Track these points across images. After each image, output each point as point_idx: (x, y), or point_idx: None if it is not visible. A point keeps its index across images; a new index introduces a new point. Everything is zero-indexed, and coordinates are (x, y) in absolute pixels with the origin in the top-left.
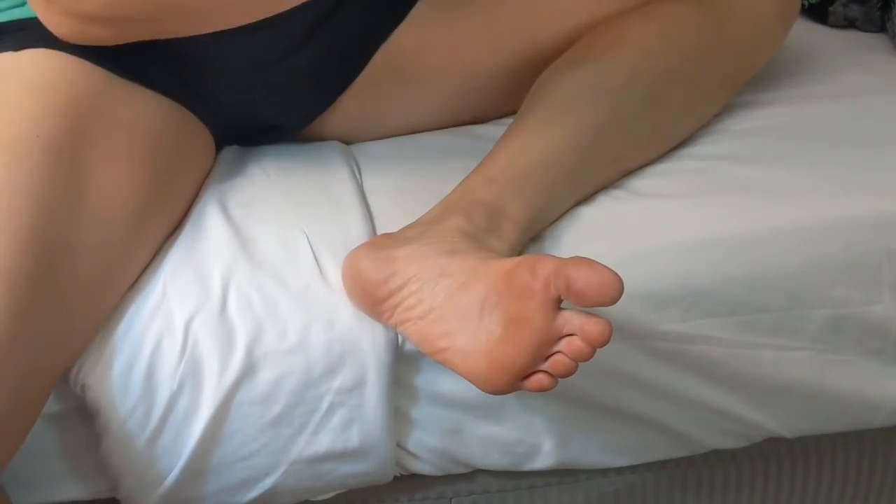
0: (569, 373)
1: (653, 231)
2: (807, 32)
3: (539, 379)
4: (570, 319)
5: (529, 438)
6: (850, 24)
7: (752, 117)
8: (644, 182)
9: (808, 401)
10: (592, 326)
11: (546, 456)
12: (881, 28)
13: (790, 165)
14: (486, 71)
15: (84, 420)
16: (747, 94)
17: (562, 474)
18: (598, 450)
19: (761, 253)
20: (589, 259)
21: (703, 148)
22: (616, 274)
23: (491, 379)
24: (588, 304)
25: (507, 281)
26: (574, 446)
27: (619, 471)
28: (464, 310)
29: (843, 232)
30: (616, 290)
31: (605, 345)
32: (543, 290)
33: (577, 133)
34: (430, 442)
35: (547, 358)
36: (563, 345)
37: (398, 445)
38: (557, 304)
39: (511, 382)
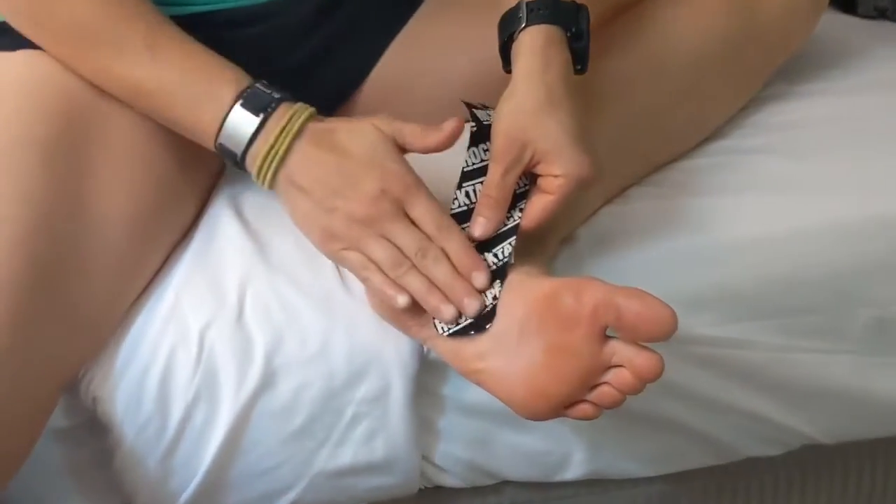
0: (616, 405)
1: (686, 230)
2: (837, 23)
3: (583, 409)
4: (619, 350)
5: (559, 448)
6: (880, 14)
7: (786, 110)
8: (675, 177)
9: (850, 406)
10: (644, 360)
11: (576, 466)
12: None
13: (828, 159)
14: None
15: (95, 434)
16: (779, 86)
17: (591, 484)
18: (630, 459)
19: (800, 252)
20: (639, 290)
21: (736, 141)
22: (670, 308)
23: (530, 405)
24: (639, 339)
25: (549, 305)
26: (605, 455)
27: (650, 480)
28: (500, 330)
29: (885, 228)
30: (671, 325)
31: (656, 380)
32: (590, 319)
33: (606, 127)
34: (457, 453)
35: (592, 387)
36: (610, 376)
37: (423, 457)
38: (604, 334)
39: (552, 410)
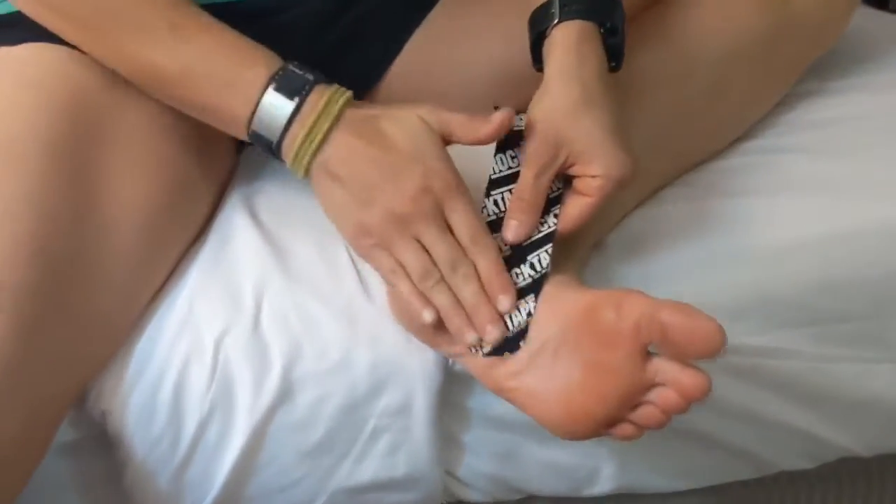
0: (660, 426)
1: (723, 234)
2: (868, 19)
3: (624, 429)
4: (663, 369)
5: (588, 462)
6: None
7: (820, 107)
8: (708, 178)
9: (890, 417)
10: (690, 380)
11: (606, 480)
12: None
13: (866, 159)
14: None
15: (104, 449)
16: (812, 83)
17: (620, 499)
18: (662, 473)
19: (842, 256)
20: (684, 304)
21: (770, 140)
22: (717, 323)
23: (567, 426)
24: (685, 357)
25: (588, 320)
26: (636, 469)
27: (682, 495)
28: (535, 347)
29: None
30: (719, 343)
31: (703, 400)
32: (632, 335)
33: (638, 126)
34: (482, 467)
35: (635, 406)
36: (653, 395)
37: (447, 472)
38: (646, 350)
39: (591, 431)
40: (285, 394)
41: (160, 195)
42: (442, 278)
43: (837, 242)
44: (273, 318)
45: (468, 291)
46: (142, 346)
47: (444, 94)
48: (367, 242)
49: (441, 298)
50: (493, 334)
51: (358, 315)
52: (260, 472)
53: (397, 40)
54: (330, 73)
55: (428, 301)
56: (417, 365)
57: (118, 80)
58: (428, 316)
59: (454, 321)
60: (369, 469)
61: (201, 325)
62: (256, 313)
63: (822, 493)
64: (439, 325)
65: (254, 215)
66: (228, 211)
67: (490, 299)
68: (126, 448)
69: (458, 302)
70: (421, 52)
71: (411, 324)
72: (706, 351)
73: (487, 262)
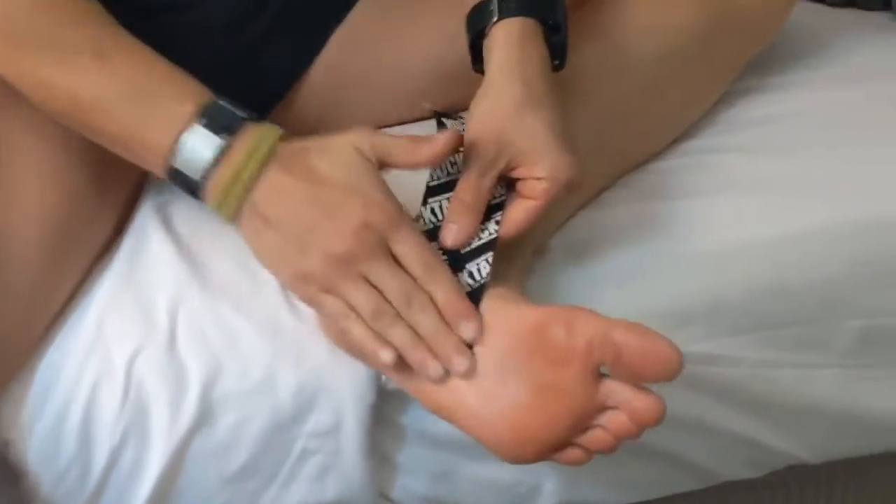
0: (610, 450)
1: (668, 238)
2: (807, 13)
3: (573, 454)
4: (615, 392)
5: (529, 478)
6: (849, 2)
7: (760, 104)
8: (648, 179)
9: (838, 423)
10: (643, 404)
11: (548, 496)
12: (885, 6)
13: (807, 157)
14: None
15: (6, 483)
16: (751, 79)
17: None
18: (605, 486)
19: (783, 259)
20: (638, 325)
21: (710, 140)
22: (674, 345)
23: (514, 450)
24: (638, 379)
25: (537, 338)
26: (578, 484)
27: None
28: (478, 366)
29: (869, 231)
30: (675, 365)
31: (657, 425)
32: (584, 356)
33: (578, 125)
34: (418, 488)
35: (584, 430)
36: (605, 419)
37: (381, 494)
38: (598, 372)
39: (539, 455)
40: (205, 416)
41: (64, 205)
42: (397, 314)
43: (782, 245)
44: (190, 334)
45: (427, 323)
46: (46, 368)
47: (367, 94)
48: (309, 289)
49: (398, 335)
50: (461, 365)
51: (282, 329)
52: (178, 499)
53: (317, 38)
54: (247, 72)
55: (384, 341)
56: (347, 382)
57: (6, 87)
58: (387, 357)
59: (416, 355)
60: (297, 494)
61: (111, 344)
62: (172, 330)
63: (770, 501)
64: (400, 364)
65: (168, 225)
66: (140, 221)
67: (451, 328)
68: (31, 481)
69: (417, 336)
70: (342, 52)
71: (340, 339)
72: (661, 374)
73: (445, 290)
